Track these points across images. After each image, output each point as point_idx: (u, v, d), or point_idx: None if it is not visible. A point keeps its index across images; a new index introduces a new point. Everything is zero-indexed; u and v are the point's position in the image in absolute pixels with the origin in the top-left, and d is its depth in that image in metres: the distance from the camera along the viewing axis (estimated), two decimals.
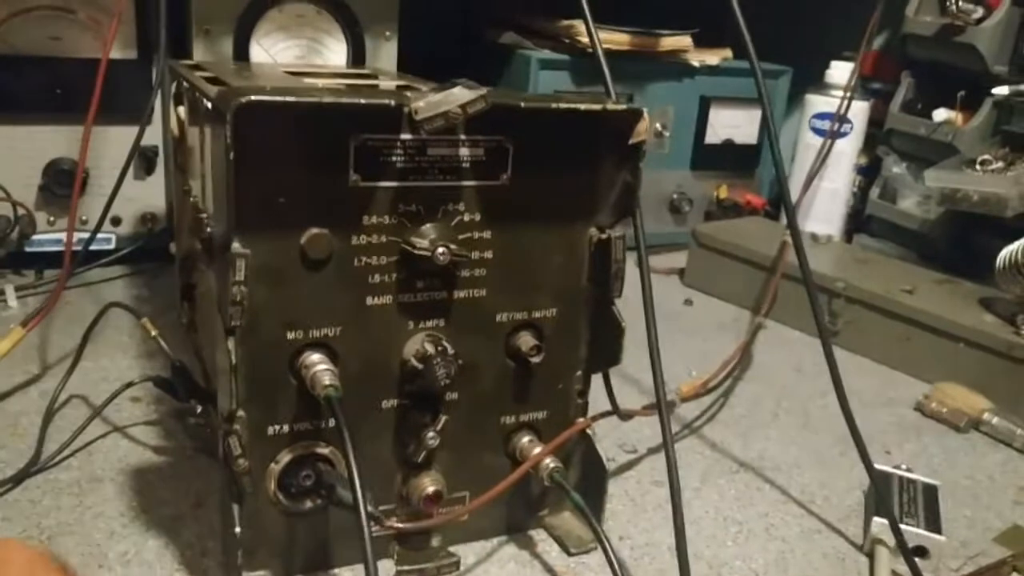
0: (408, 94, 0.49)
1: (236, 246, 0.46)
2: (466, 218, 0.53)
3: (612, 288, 0.56)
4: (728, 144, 1.29)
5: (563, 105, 0.51)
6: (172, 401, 0.72)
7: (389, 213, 0.51)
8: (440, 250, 0.50)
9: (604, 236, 0.56)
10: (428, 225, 0.52)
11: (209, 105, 0.61)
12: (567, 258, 0.57)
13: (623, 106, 0.52)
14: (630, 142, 0.53)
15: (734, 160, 1.30)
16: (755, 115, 1.30)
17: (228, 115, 0.43)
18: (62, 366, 0.79)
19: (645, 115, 0.53)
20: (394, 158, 0.50)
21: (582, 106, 0.52)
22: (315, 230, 0.49)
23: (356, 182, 0.50)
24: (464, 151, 0.52)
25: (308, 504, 0.54)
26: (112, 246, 1.02)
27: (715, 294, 1.13)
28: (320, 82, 0.75)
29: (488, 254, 0.54)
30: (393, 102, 0.48)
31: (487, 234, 0.54)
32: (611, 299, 0.57)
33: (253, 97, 0.44)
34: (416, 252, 0.51)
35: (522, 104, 0.51)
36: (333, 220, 0.49)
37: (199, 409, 0.66)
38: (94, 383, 0.77)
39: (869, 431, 0.64)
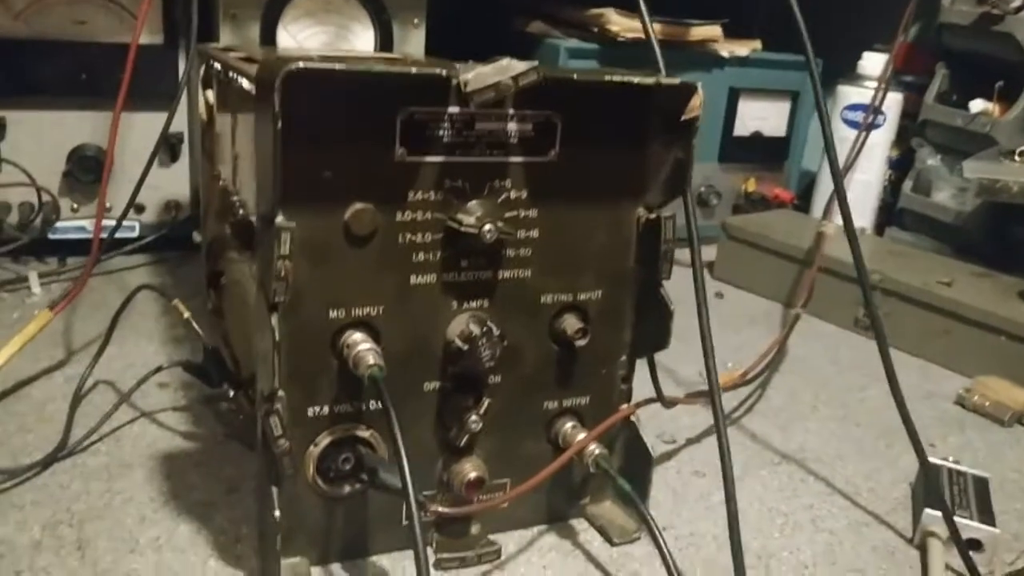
0: (457, 66, 0.47)
1: (280, 219, 0.45)
2: (512, 195, 0.51)
3: (661, 270, 0.55)
4: (757, 136, 1.27)
5: (616, 78, 0.50)
6: (201, 387, 0.70)
7: (435, 189, 0.49)
8: (487, 227, 0.49)
9: (653, 216, 0.54)
10: (474, 202, 0.50)
11: (245, 83, 0.60)
12: (614, 238, 0.55)
13: (677, 80, 0.51)
14: (683, 118, 0.51)
15: (763, 153, 1.28)
16: (784, 107, 1.28)
17: (276, 82, 0.42)
18: (87, 352, 0.78)
19: (699, 90, 0.51)
20: (441, 132, 0.48)
21: (636, 79, 0.50)
22: (359, 205, 0.48)
23: (402, 156, 0.48)
24: (512, 126, 0.50)
25: (347, 489, 0.53)
26: (136, 234, 1.01)
27: (745, 287, 1.11)
28: (348, 57, 0.73)
29: (534, 233, 0.53)
30: (444, 72, 0.46)
31: (533, 212, 0.52)
32: (659, 281, 0.55)
33: (302, 64, 0.42)
34: (462, 230, 0.49)
35: (575, 76, 0.49)
36: (378, 195, 0.48)
37: (231, 394, 0.64)
38: (120, 369, 0.76)
39: None
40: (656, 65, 0.64)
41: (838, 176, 0.61)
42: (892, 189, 1.28)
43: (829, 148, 0.62)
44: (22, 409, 0.69)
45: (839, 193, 0.62)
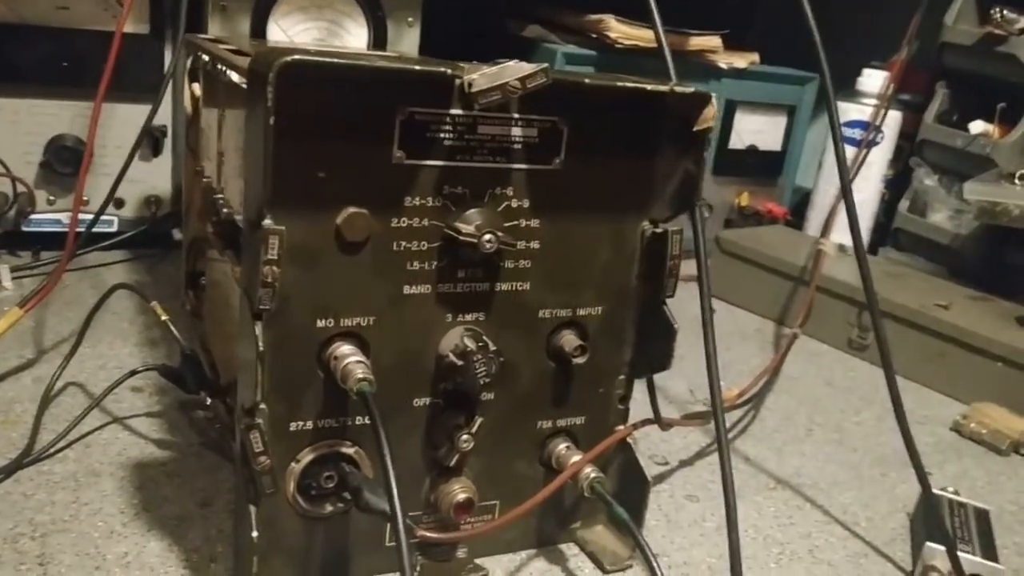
0: (462, 65, 0.45)
1: (269, 222, 0.42)
2: (514, 204, 0.49)
3: (665, 287, 0.52)
4: (752, 150, 1.25)
5: (629, 84, 0.47)
6: (176, 393, 0.67)
7: (433, 195, 0.47)
8: (487, 237, 0.46)
9: (659, 230, 0.52)
10: (474, 210, 0.48)
11: (235, 77, 0.57)
12: (617, 252, 0.53)
13: (691, 89, 0.48)
14: (695, 128, 0.49)
15: (757, 167, 1.27)
16: (780, 122, 1.26)
17: (270, 75, 0.39)
18: (58, 351, 0.75)
19: (713, 100, 0.49)
20: (442, 135, 0.46)
21: (648, 86, 0.48)
22: (353, 209, 0.45)
23: (400, 159, 0.45)
24: (516, 131, 0.48)
25: (329, 508, 0.50)
26: (114, 229, 0.98)
27: (737, 302, 1.09)
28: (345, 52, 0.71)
29: (535, 244, 0.50)
30: (448, 71, 0.44)
31: (535, 223, 0.50)
32: (663, 299, 0.53)
33: (297, 57, 0.39)
34: (461, 239, 0.47)
35: (586, 81, 0.46)
36: (373, 199, 0.45)
37: (208, 401, 0.61)
38: (92, 371, 0.73)
39: (905, 451, 0.60)
40: (667, 73, 0.61)
41: (850, 199, 0.59)
42: (886, 208, 1.26)
43: (842, 169, 0.60)
44: None
45: (851, 218, 0.60)
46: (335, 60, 0.41)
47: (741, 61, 1.20)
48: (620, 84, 0.47)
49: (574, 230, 0.51)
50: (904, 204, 1.20)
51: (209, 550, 0.53)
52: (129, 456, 0.62)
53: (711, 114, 0.49)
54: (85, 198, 0.94)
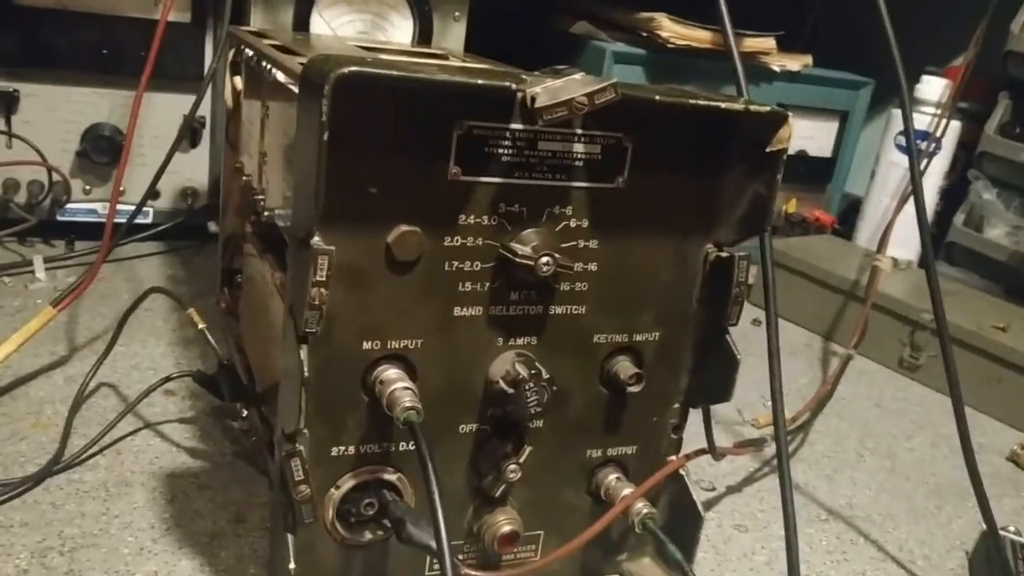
0: (525, 78, 0.42)
1: (318, 241, 0.40)
2: (572, 224, 0.46)
3: (729, 314, 0.49)
4: (801, 156, 1.21)
5: (701, 102, 0.44)
6: (209, 398, 0.66)
7: (489, 213, 0.44)
8: (544, 260, 0.44)
9: (724, 255, 0.49)
10: (530, 230, 0.45)
11: (281, 76, 0.55)
12: (677, 276, 0.50)
13: (766, 107, 0.45)
14: (768, 149, 0.46)
15: (806, 173, 1.23)
16: (831, 127, 1.22)
17: (325, 87, 0.36)
18: (90, 348, 0.73)
19: (790, 120, 0.46)
20: (500, 150, 0.43)
21: (722, 104, 0.45)
22: (405, 227, 0.42)
23: (456, 175, 0.43)
24: (579, 147, 0.45)
25: (368, 536, 0.48)
26: (149, 220, 0.96)
27: (784, 315, 1.05)
28: (399, 60, 0.68)
29: (592, 266, 0.47)
30: (513, 85, 0.41)
31: (593, 244, 0.47)
32: (725, 327, 0.50)
33: (355, 68, 0.37)
34: (517, 260, 0.44)
35: (657, 97, 0.44)
36: (426, 217, 0.43)
37: (244, 413, 0.59)
38: (124, 371, 0.71)
39: (960, 481, 0.57)
40: (723, 75, 0.58)
41: (925, 226, 0.56)
42: (938, 220, 1.22)
43: (917, 189, 0.57)
44: (18, 411, 0.64)
45: (925, 243, 0.57)
46: (394, 72, 0.38)
47: (794, 64, 1.16)
48: (692, 102, 0.44)
49: (634, 252, 0.48)
50: (959, 217, 1.16)
51: (242, 571, 0.51)
52: (161, 465, 0.60)
53: (787, 134, 0.46)
54: (121, 188, 0.92)
